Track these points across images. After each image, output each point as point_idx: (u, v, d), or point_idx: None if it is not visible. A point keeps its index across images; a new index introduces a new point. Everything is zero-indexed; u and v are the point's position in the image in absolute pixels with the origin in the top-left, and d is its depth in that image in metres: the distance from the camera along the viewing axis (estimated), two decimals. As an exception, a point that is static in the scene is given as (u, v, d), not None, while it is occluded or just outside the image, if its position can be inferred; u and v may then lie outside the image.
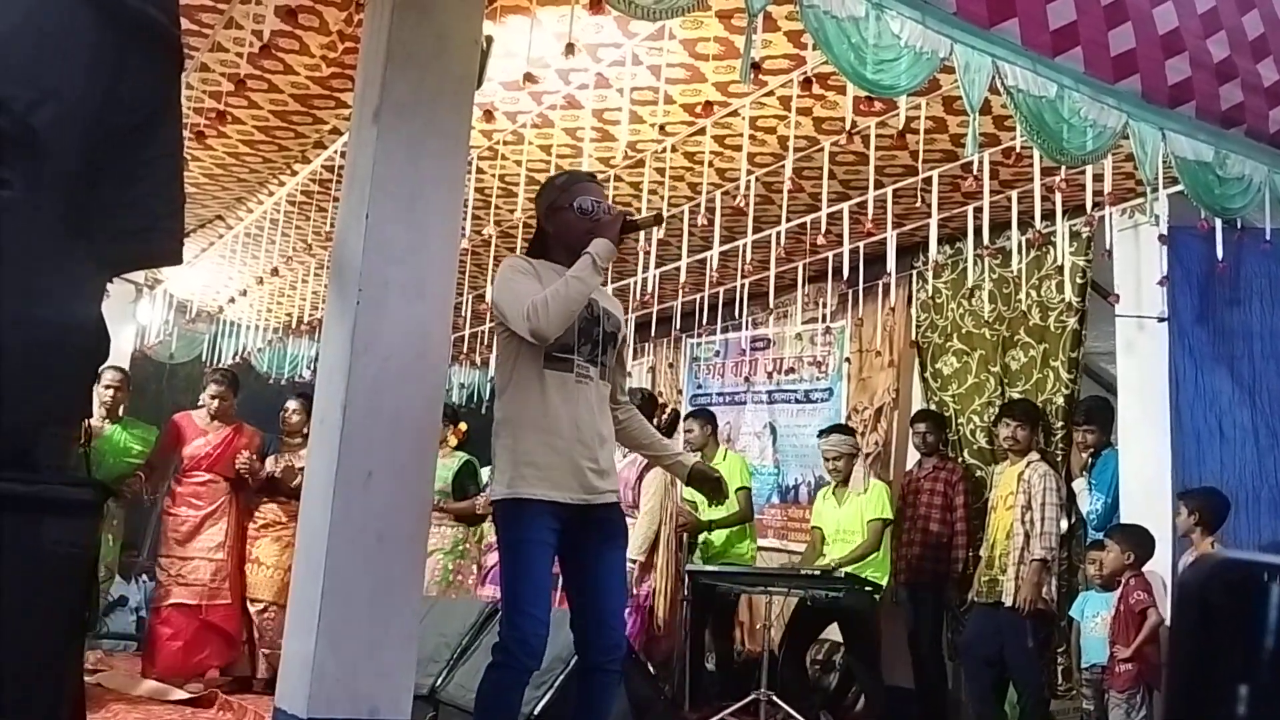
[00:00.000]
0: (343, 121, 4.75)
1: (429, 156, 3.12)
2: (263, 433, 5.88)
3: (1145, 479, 4.71)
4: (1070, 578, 5.09)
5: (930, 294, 6.08)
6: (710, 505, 3.36)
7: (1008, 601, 4.76)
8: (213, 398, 5.63)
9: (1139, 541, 4.44)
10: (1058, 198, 4.42)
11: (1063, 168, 3.98)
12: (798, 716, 4.84)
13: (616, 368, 3.08)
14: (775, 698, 4.89)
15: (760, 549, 6.70)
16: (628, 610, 4.85)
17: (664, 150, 4.80)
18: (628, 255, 6.12)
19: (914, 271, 6.09)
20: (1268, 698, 0.70)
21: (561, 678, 3.75)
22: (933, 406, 5.98)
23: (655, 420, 5.56)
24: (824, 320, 6.52)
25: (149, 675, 5.24)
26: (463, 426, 6.22)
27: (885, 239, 5.00)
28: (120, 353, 7.55)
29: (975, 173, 4.38)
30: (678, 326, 6.67)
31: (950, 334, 5.98)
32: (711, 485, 3.15)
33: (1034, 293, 5.45)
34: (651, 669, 4.88)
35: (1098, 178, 4.22)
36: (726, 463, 6.15)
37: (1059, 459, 5.18)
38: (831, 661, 5.87)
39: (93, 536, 1.98)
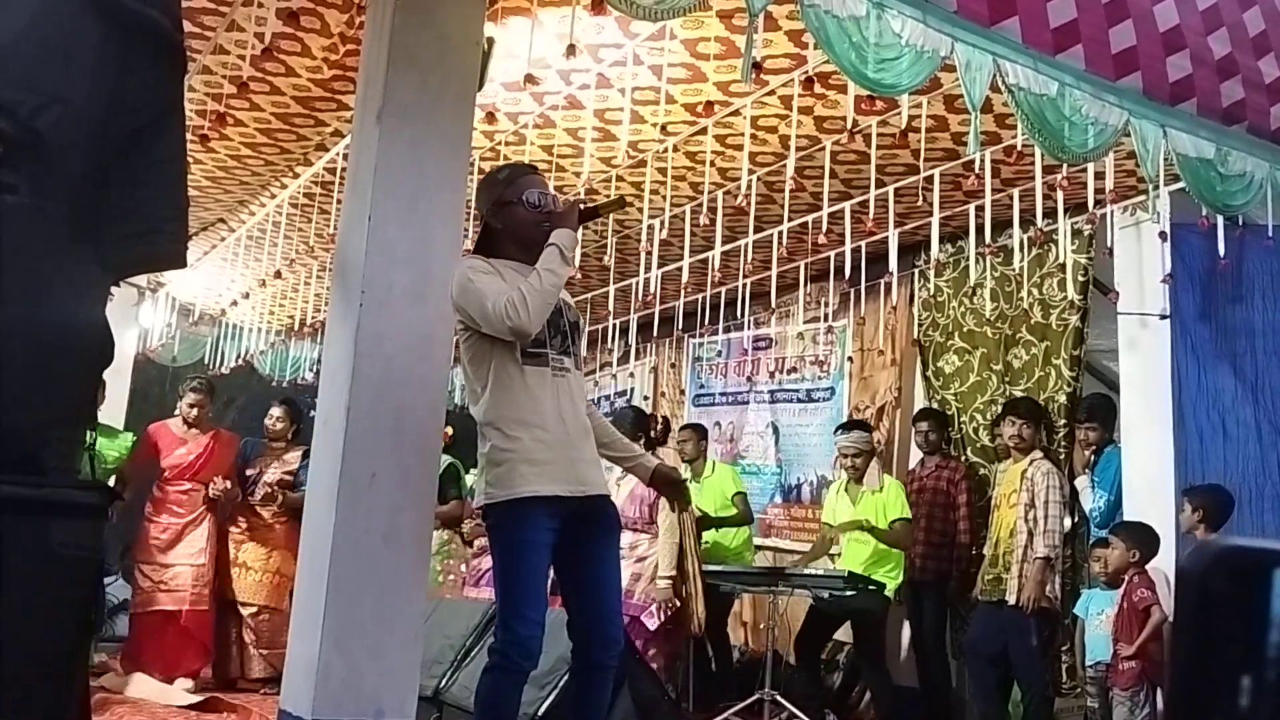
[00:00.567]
0: (345, 123, 4.75)
1: (431, 158, 3.13)
2: (240, 438, 5.91)
3: (1148, 476, 4.71)
4: (1074, 576, 5.08)
5: (932, 292, 6.08)
6: (673, 509, 3.33)
7: (1011, 600, 4.75)
8: (191, 406, 5.66)
9: (1143, 539, 4.44)
10: (1059, 195, 4.42)
11: (1064, 165, 3.98)
12: (802, 716, 4.84)
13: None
14: (779, 697, 4.89)
15: (763, 548, 6.71)
16: (654, 620, 4.89)
17: (665, 150, 4.81)
18: (630, 256, 6.13)
19: (916, 270, 6.09)
20: (1271, 690, 0.70)
21: (565, 678, 3.75)
22: (935, 405, 5.98)
23: (650, 432, 5.57)
24: (826, 319, 6.52)
25: (167, 677, 5.28)
26: (449, 430, 6.24)
27: (887, 238, 5.00)
28: (123, 356, 7.58)
29: (977, 171, 4.38)
30: (680, 326, 6.68)
31: (952, 332, 5.98)
32: (673, 488, 3.16)
33: (1036, 291, 5.45)
34: (656, 670, 4.89)
35: (1099, 175, 4.22)
36: (716, 474, 6.18)
37: (1061, 457, 5.17)
38: (835, 661, 5.87)
39: (99, 539, 1.98)
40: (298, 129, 5.03)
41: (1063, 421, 5.26)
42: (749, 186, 4.75)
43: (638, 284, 5.97)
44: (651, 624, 4.96)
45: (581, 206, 2.96)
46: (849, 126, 4.26)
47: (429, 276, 3.10)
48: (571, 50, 3.42)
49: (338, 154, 5.02)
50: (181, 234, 2.23)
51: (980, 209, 4.62)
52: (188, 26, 3.85)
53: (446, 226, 3.17)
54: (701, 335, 7.36)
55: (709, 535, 5.99)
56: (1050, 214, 4.49)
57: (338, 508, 2.91)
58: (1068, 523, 4.90)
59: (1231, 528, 4.47)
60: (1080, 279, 5.14)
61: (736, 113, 4.41)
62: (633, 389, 8.29)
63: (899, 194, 4.90)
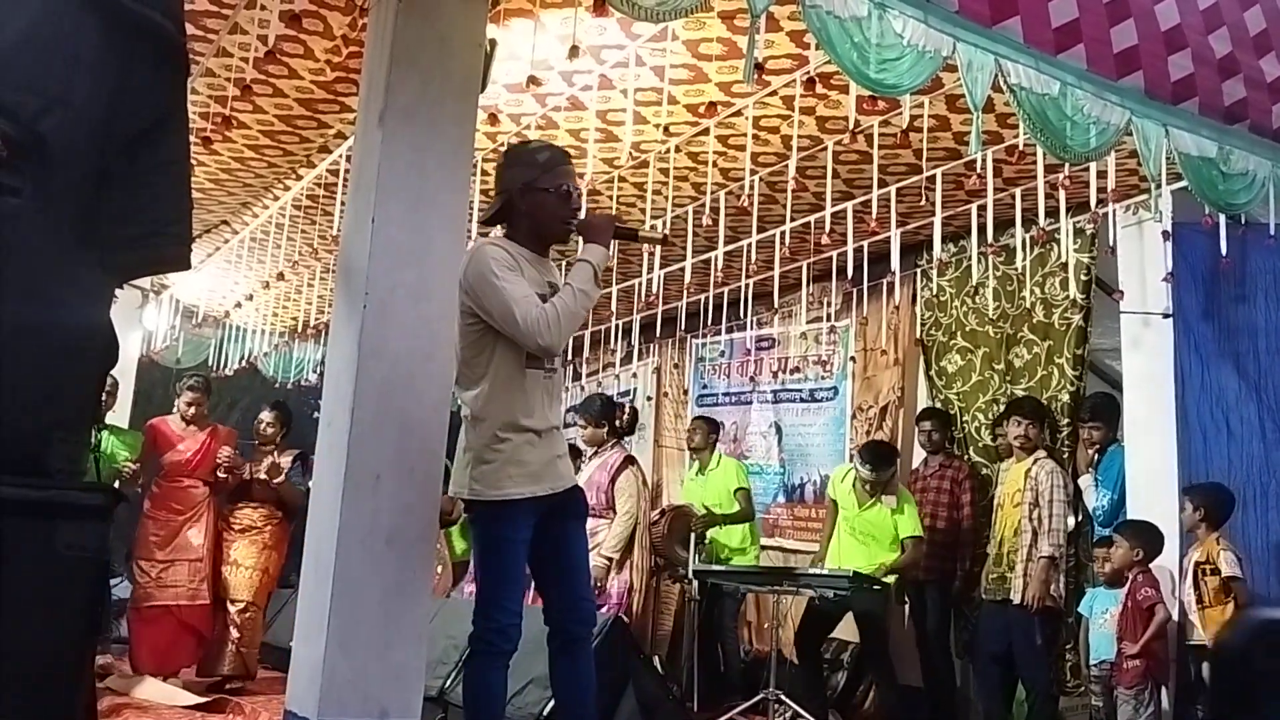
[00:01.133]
0: (347, 126, 4.76)
1: (434, 160, 3.13)
2: (237, 432, 5.95)
3: (1151, 475, 4.71)
4: (1078, 575, 5.08)
5: (934, 292, 6.08)
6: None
7: (1016, 599, 4.76)
8: (189, 404, 5.69)
9: (1148, 538, 4.44)
10: (1061, 195, 4.42)
11: (1066, 165, 3.98)
12: (806, 715, 4.84)
13: None
14: (784, 696, 4.89)
15: (767, 548, 6.72)
16: (606, 608, 4.97)
17: (668, 151, 4.81)
18: (632, 257, 6.14)
19: (918, 270, 6.09)
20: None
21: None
22: (938, 404, 5.99)
23: (616, 421, 5.61)
24: (828, 319, 6.52)
25: (159, 674, 5.32)
26: None
27: (889, 238, 5.00)
28: (127, 358, 7.59)
29: (979, 171, 4.38)
30: (683, 327, 6.68)
31: (955, 332, 5.98)
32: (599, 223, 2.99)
33: (1038, 290, 5.45)
34: (660, 669, 4.90)
35: (1101, 174, 4.23)
36: (721, 467, 6.20)
37: (1065, 456, 5.17)
38: (840, 660, 5.87)
39: (104, 540, 1.98)
40: (301, 131, 5.04)
41: (1066, 420, 5.26)
42: (751, 187, 4.75)
43: (640, 284, 5.98)
44: None
45: (617, 224, 2.97)
46: (851, 127, 4.26)
47: (432, 277, 3.10)
48: (574, 52, 3.43)
49: (341, 156, 5.03)
50: (185, 236, 2.24)
51: (982, 208, 4.62)
52: (190, 29, 3.87)
53: (449, 228, 3.17)
54: (704, 335, 7.37)
55: (711, 533, 6.00)
56: (1052, 213, 4.49)
57: (342, 509, 2.91)
58: (1071, 522, 4.90)
59: (1234, 526, 4.47)
60: (1083, 278, 5.14)
61: (739, 113, 4.41)
62: (635, 389, 8.30)
63: (901, 194, 4.90)
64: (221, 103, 4.62)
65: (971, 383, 5.87)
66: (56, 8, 2.04)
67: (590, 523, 5.16)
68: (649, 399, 8.19)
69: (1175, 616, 4.43)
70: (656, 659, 5.70)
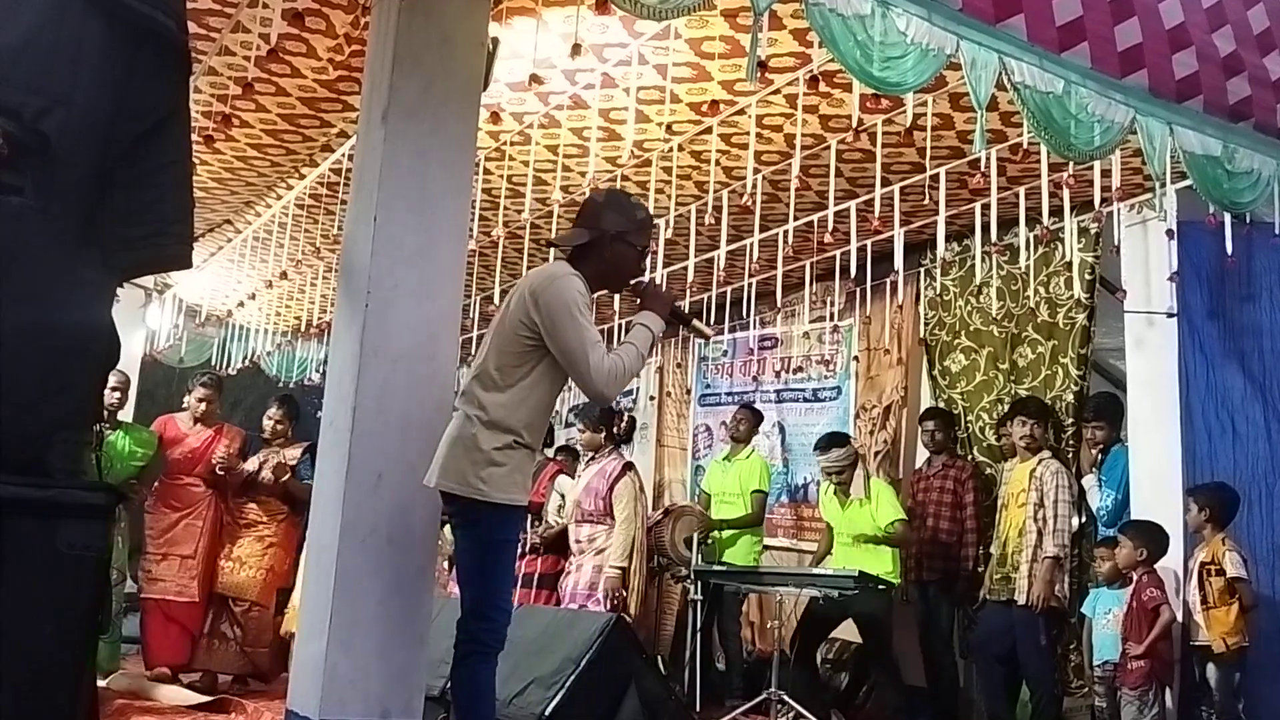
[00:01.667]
0: (350, 124, 4.76)
1: (436, 158, 3.13)
2: (245, 432, 5.93)
3: (1155, 475, 4.70)
4: (1081, 575, 5.07)
5: (938, 291, 6.07)
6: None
7: (1020, 599, 4.74)
8: (199, 400, 5.68)
9: (1152, 538, 4.43)
10: (1065, 194, 4.41)
11: (1070, 163, 3.97)
12: (808, 715, 4.83)
13: None
14: (786, 697, 4.88)
15: (771, 548, 6.70)
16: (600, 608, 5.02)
17: (671, 149, 4.81)
18: (635, 255, 6.12)
19: (921, 269, 6.08)
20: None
21: (572, 678, 3.76)
22: (941, 404, 5.97)
23: (614, 428, 5.61)
24: (832, 319, 6.51)
25: (151, 668, 5.35)
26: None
27: (893, 236, 4.99)
28: (130, 357, 7.58)
29: (982, 169, 4.37)
30: (685, 326, 6.65)
31: (958, 331, 5.96)
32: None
33: (1042, 289, 5.44)
34: (663, 669, 4.90)
35: (1105, 173, 4.21)
36: (749, 461, 6.16)
37: (1069, 456, 5.16)
38: (842, 661, 5.86)
39: (105, 539, 1.99)
40: (303, 130, 5.04)
41: (1070, 420, 5.25)
42: (754, 186, 4.74)
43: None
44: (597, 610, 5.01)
45: (676, 304, 3.08)
46: (854, 125, 4.25)
47: (435, 276, 3.10)
48: (576, 50, 3.42)
49: (343, 155, 5.03)
50: (187, 235, 2.24)
51: (986, 207, 4.61)
52: (193, 28, 3.87)
53: (452, 226, 3.17)
54: (706, 335, 7.34)
55: (716, 534, 5.98)
56: (1056, 212, 4.48)
57: (344, 508, 2.91)
58: (1076, 522, 4.89)
59: (1240, 527, 4.46)
60: (1087, 277, 5.13)
61: (741, 112, 4.40)
62: (638, 389, 8.29)
63: (904, 192, 4.89)
64: (224, 101, 4.63)
65: (975, 382, 5.86)
66: (59, 8, 2.05)
67: (587, 529, 5.26)
68: (651, 398, 8.18)
69: (1179, 617, 4.42)
70: (659, 659, 5.70)
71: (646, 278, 3.71)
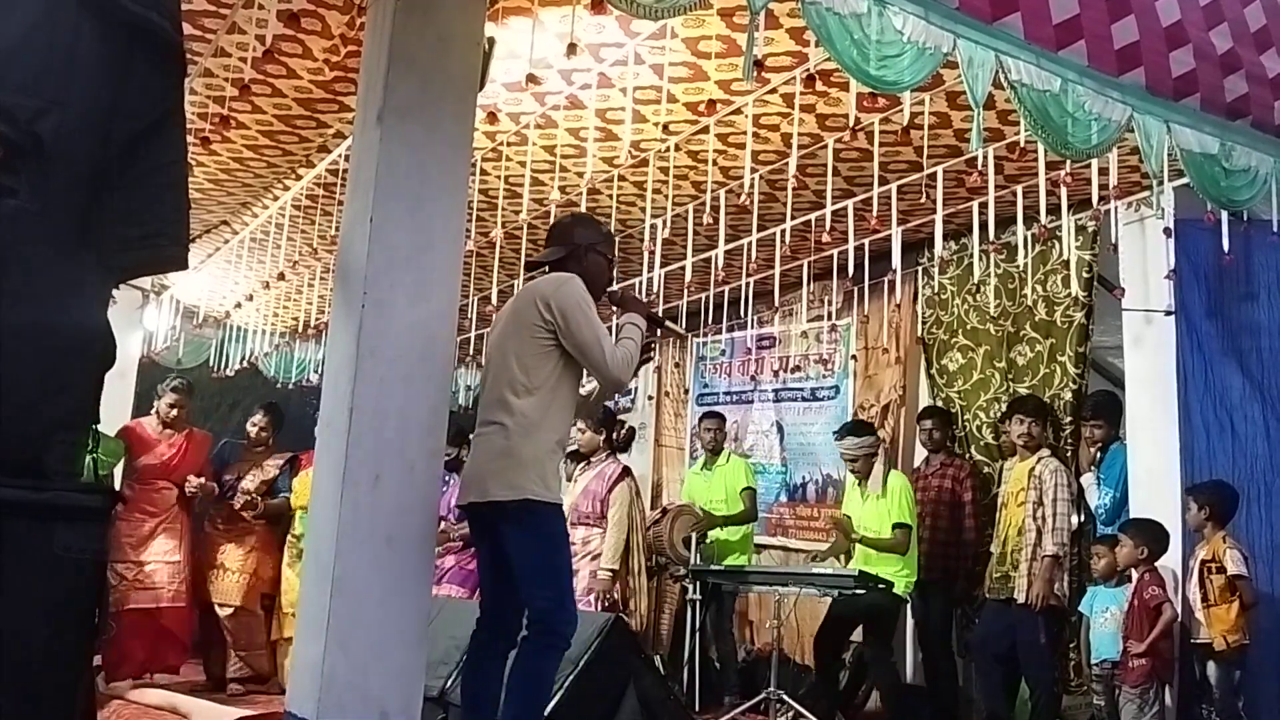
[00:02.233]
0: (346, 125, 4.75)
1: (433, 159, 3.12)
2: (211, 436, 5.92)
3: (1153, 473, 4.70)
4: (1080, 573, 5.07)
5: (936, 290, 6.07)
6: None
7: (1020, 598, 4.74)
8: (170, 406, 5.67)
9: (1153, 536, 4.43)
10: (1063, 192, 4.41)
11: (1068, 162, 3.97)
12: (808, 715, 4.83)
13: None
14: (785, 696, 4.88)
15: (769, 547, 6.71)
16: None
17: (667, 149, 4.80)
18: (633, 255, 6.13)
19: (919, 268, 6.08)
20: None
21: (570, 679, 3.75)
22: (939, 403, 5.98)
23: (614, 434, 5.62)
24: (829, 318, 6.51)
25: (114, 679, 5.25)
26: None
27: (890, 235, 4.99)
28: (128, 359, 7.58)
29: (980, 168, 4.36)
30: (683, 326, 6.65)
31: (956, 330, 5.97)
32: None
33: (1040, 288, 5.44)
34: (662, 669, 4.89)
35: (1103, 171, 4.21)
36: (730, 465, 6.19)
37: (1067, 454, 5.16)
38: (842, 660, 5.86)
39: (102, 542, 1.98)
40: (299, 131, 5.03)
41: (1068, 419, 5.25)
42: (751, 185, 4.74)
43: (641, 283, 5.96)
44: None
45: (652, 310, 3.42)
46: (851, 124, 4.25)
47: (431, 277, 3.09)
48: (573, 50, 3.42)
49: (340, 155, 5.02)
50: (183, 236, 2.23)
51: (984, 206, 4.61)
52: (188, 29, 3.86)
53: (448, 227, 3.17)
54: (705, 335, 7.35)
55: (714, 534, 5.99)
56: (1054, 210, 4.48)
57: (341, 509, 2.90)
58: (1075, 520, 4.89)
59: (1239, 525, 4.46)
60: (1084, 275, 5.13)
61: (738, 111, 4.40)
62: (637, 389, 8.28)
63: (902, 191, 4.89)
64: (220, 103, 4.61)
65: (973, 381, 5.86)
66: (54, 9, 2.04)
67: (583, 531, 5.27)
68: (650, 398, 8.17)
69: (1179, 615, 4.42)
70: (658, 659, 5.69)
71: (629, 282, 4.02)
